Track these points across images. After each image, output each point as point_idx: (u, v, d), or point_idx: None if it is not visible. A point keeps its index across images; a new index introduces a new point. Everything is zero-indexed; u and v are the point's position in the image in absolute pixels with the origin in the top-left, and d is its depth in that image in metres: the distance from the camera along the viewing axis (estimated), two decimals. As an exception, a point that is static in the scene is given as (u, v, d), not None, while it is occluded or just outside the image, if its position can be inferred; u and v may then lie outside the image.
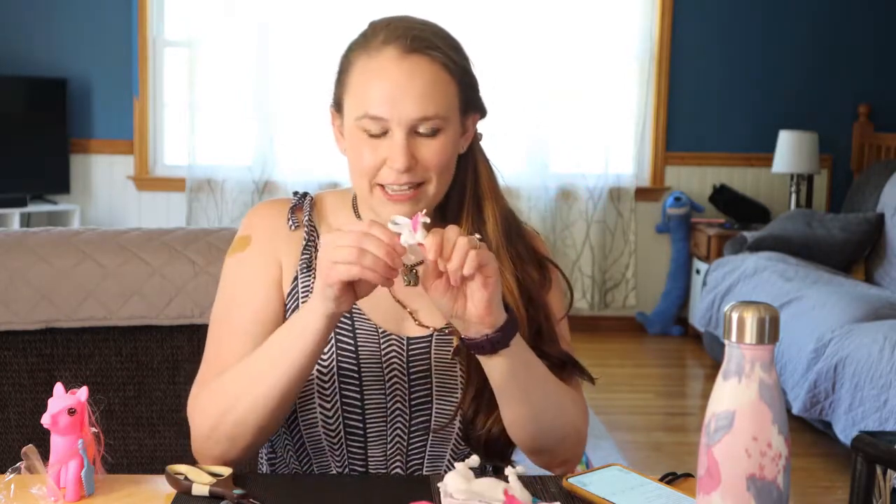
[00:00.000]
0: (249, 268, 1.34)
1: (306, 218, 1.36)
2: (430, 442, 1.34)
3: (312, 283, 1.32)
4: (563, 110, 5.42)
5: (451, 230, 1.14)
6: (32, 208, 5.14)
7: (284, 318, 1.33)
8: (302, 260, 1.34)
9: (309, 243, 1.35)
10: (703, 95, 5.59)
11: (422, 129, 1.25)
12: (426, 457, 1.35)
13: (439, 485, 1.10)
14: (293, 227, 1.35)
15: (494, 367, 1.21)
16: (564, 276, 1.42)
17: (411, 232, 1.14)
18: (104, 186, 5.45)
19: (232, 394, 1.24)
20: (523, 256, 1.36)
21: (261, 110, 5.31)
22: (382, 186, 1.26)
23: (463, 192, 1.35)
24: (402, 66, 1.24)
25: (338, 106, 1.33)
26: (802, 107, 5.60)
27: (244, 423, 1.23)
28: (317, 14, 5.29)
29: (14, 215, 5.04)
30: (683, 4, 5.51)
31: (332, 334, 1.32)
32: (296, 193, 1.41)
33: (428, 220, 1.13)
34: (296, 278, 1.34)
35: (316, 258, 1.33)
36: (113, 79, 5.36)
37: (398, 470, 1.35)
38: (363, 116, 1.25)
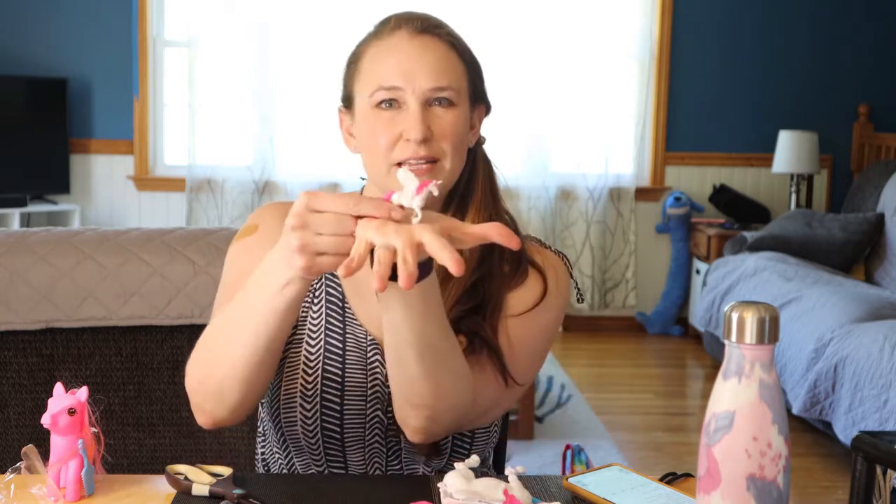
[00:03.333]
0: (257, 249, 1.30)
1: None
2: (404, 447, 1.34)
3: (322, 283, 1.35)
4: (563, 110, 5.42)
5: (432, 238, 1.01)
6: (32, 208, 5.14)
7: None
8: None
9: None
10: (703, 95, 5.59)
11: (436, 102, 1.26)
12: (402, 457, 1.35)
13: (439, 485, 1.10)
14: None
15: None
16: (571, 286, 1.38)
17: (412, 195, 1.02)
18: (104, 186, 5.45)
19: (213, 351, 1.22)
20: (503, 255, 1.32)
21: (261, 110, 5.31)
22: (400, 165, 1.25)
23: (455, 187, 1.33)
24: (413, 43, 1.27)
25: (347, 101, 1.34)
26: (802, 107, 5.60)
27: (228, 379, 1.20)
28: (317, 14, 5.30)
29: (14, 215, 5.04)
30: (683, 4, 5.52)
31: (323, 336, 1.33)
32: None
33: (436, 193, 1.03)
34: None
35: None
36: (113, 79, 5.36)
37: (378, 472, 1.35)
38: (377, 90, 1.26)
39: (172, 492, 1.16)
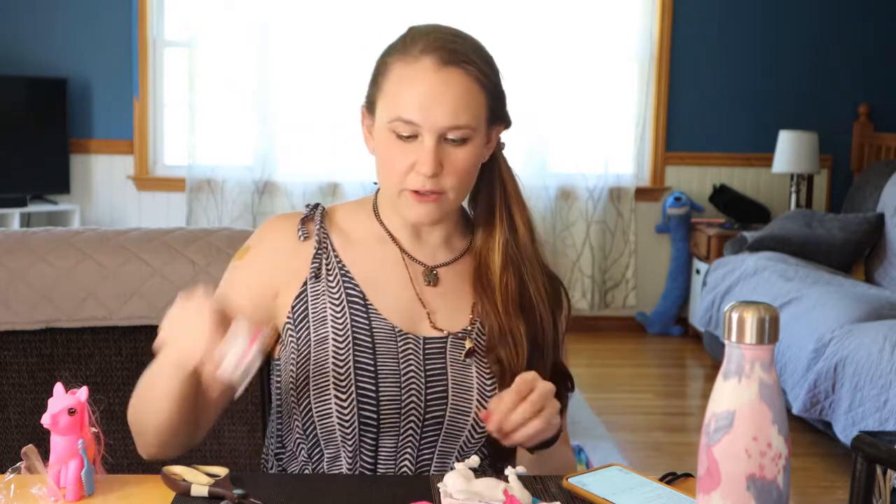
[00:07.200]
0: (241, 278, 1.42)
1: (318, 227, 1.42)
2: (441, 437, 1.36)
3: (322, 288, 1.39)
4: (563, 111, 5.42)
5: (507, 401, 1.23)
6: (32, 208, 5.14)
7: (290, 323, 1.39)
8: (312, 268, 1.40)
9: (319, 252, 1.41)
10: (703, 95, 5.59)
11: (450, 137, 1.31)
12: (436, 451, 1.37)
13: (439, 485, 1.10)
14: (302, 238, 1.41)
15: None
16: (566, 295, 1.48)
17: (236, 361, 1.16)
18: (104, 186, 5.45)
19: (139, 419, 1.35)
20: (544, 270, 1.43)
21: (261, 110, 5.31)
22: (415, 192, 1.33)
23: (493, 199, 1.43)
24: (437, 77, 1.31)
25: (370, 106, 1.39)
26: (802, 107, 5.60)
27: (150, 434, 1.34)
28: (317, 14, 5.29)
29: (14, 215, 5.03)
30: (683, 5, 5.52)
31: (350, 333, 1.36)
32: (308, 206, 1.47)
33: (268, 334, 1.17)
34: (305, 283, 1.40)
35: (326, 265, 1.40)
36: (113, 79, 5.36)
37: (407, 462, 1.36)
38: (396, 119, 1.31)
39: (172, 492, 1.16)
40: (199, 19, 5.31)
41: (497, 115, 1.39)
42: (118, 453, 1.69)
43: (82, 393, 1.14)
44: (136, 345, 1.72)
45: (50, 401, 1.13)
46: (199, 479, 1.16)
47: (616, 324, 5.68)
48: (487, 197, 1.43)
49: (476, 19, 5.21)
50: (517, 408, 1.21)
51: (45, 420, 1.12)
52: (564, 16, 5.39)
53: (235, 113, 5.37)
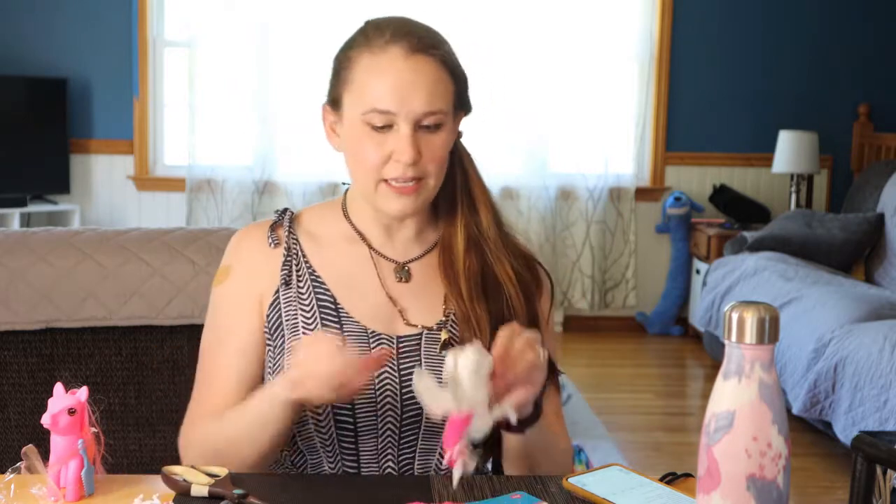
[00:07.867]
0: (232, 300, 1.39)
1: (286, 233, 1.41)
2: (421, 434, 1.35)
3: (292, 295, 1.37)
4: (563, 110, 5.42)
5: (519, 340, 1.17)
6: (32, 208, 5.14)
7: (266, 332, 1.37)
8: (282, 275, 1.38)
9: (288, 258, 1.39)
10: (703, 95, 5.59)
11: (426, 124, 1.30)
12: (417, 450, 1.36)
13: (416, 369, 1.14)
14: (273, 245, 1.40)
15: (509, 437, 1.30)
16: (547, 274, 1.45)
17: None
18: (104, 186, 5.45)
19: (222, 447, 1.31)
20: (514, 252, 1.41)
21: (261, 110, 5.31)
22: (387, 181, 1.32)
23: (454, 187, 1.40)
24: (407, 64, 1.29)
25: (334, 103, 1.37)
26: (802, 107, 5.60)
27: (240, 464, 1.29)
28: (317, 14, 5.29)
29: (14, 215, 5.04)
30: (683, 5, 5.52)
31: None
32: (277, 212, 1.46)
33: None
34: (277, 291, 1.38)
35: (296, 271, 1.38)
36: (113, 79, 5.36)
37: (390, 463, 1.35)
38: (370, 111, 1.30)
39: (172, 492, 1.16)
40: (199, 19, 5.31)
41: (462, 102, 1.37)
42: (118, 453, 1.69)
43: (82, 393, 1.14)
44: (136, 345, 1.72)
45: (50, 401, 1.13)
46: (199, 479, 1.16)
47: (616, 324, 5.69)
48: (449, 185, 1.39)
49: (477, 20, 5.21)
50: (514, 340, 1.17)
51: (45, 420, 1.12)
52: (564, 16, 5.39)
53: (235, 113, 5.37)
